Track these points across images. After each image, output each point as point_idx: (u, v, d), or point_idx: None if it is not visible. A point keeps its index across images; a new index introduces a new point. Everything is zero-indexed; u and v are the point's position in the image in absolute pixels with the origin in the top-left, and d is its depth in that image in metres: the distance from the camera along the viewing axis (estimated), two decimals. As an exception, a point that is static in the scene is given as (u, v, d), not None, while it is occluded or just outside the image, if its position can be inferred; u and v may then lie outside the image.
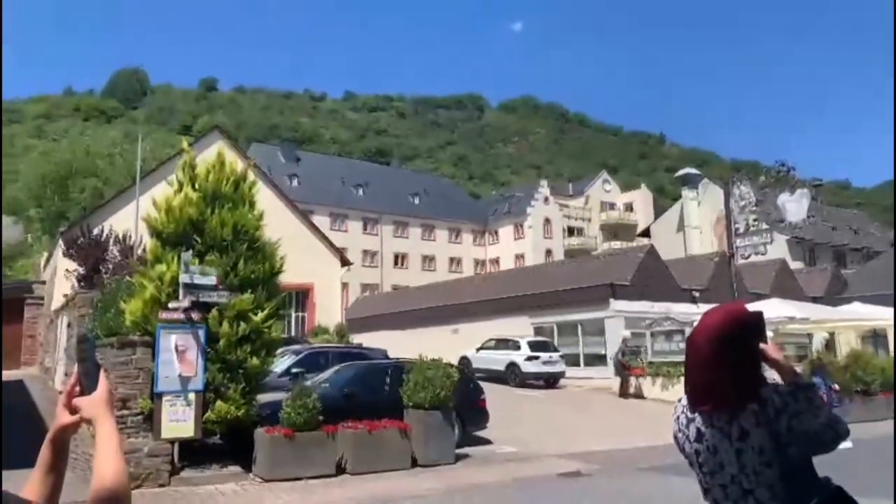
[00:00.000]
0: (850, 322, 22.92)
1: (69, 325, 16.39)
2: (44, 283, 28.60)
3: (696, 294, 28.04)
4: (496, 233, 72.10)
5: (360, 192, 65.67)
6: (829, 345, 28.64)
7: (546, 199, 71.45)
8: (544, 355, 23.48)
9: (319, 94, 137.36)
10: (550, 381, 23.54)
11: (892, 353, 23.98)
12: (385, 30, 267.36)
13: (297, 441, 9.32)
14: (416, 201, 68.90)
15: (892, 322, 22.56)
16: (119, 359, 9.38)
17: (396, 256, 65.07)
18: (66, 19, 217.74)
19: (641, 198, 77.42)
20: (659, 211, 63.12)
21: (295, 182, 59.52)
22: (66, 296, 18.32)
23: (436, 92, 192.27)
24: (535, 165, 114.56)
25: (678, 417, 1.94)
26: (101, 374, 1.26)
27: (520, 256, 67.44)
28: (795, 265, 41.90)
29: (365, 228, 63.42)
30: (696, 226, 47.18)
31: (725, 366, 1.83)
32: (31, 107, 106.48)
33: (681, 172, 53.55)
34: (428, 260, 66.72)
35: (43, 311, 26.51)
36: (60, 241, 21.08)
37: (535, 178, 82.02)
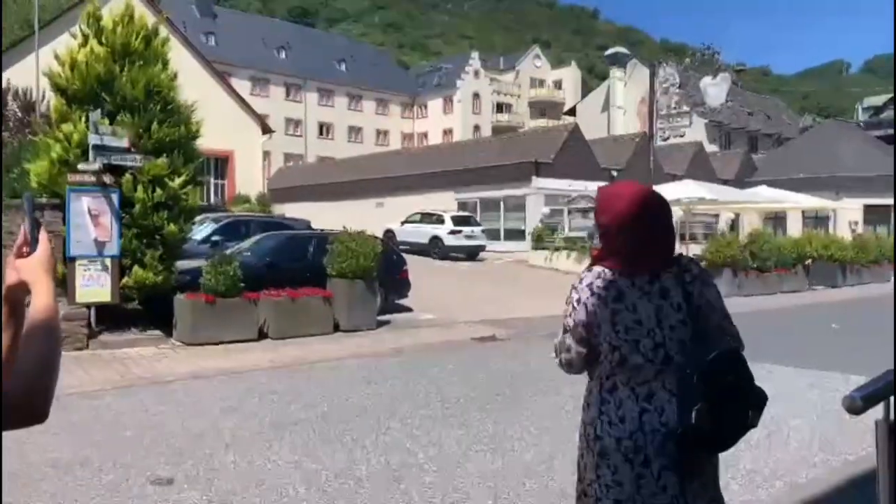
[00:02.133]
0: (754, 205, 24.30)
1: (-32, 186, 15.46)
2: (-65, 139, 26.49)
3: (615, 174, 28.90)
4: (425, 106, 70.86)
5: (283, 54, 62.42)
6: (734, 225, 30.45)
7: (476, 73, 70.25)
8: (466, 229, 24.02)
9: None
10: (472, 255, 24.26)
11: (789, 235, 25.84)
12: None
13: (219, 307, 9.40)
14: (343, 68, 66.25)
15: (793, 206, 24.13)
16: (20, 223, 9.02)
17: (321, 126, 63.30)
18: None
19: (571, 76, 77.16)
20: (586, 91, 63.22)
21: (212, 40, 55.84)
22: (-39, 154, 17.13)
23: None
24: (467, 36, 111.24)
25: (591, 283, 2.02)
26: (42, 235, 1.23)
27: (448, 132, 66.97)
28: (711, 148, 43.49)
29: (288, 94, 60.92)
30: (620, 106, 47.72)
31: (671, 231, 2.09)
32: None
33: (611, 51, 53.26)
34: (354, 131, 65.31)
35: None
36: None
37: (467, 50, 79.88)
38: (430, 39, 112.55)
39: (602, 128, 43.28)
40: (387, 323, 11.73)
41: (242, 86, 46.77)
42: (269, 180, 34.26)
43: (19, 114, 16.50)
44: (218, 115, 18.95)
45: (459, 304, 14.12)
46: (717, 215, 28.04)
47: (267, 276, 10.81)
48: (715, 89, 18.26)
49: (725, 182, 31.50)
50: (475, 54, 72.51)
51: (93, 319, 8.89)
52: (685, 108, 18.81)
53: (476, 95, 69.60)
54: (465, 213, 26.14)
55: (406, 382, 7.46)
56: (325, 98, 63.62)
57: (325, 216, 23.34)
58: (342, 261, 10.95)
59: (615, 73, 48.61)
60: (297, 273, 11.22)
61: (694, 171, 31.09)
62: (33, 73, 17.91)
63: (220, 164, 25.61)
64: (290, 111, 60.35)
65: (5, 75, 18.64)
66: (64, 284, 8.61)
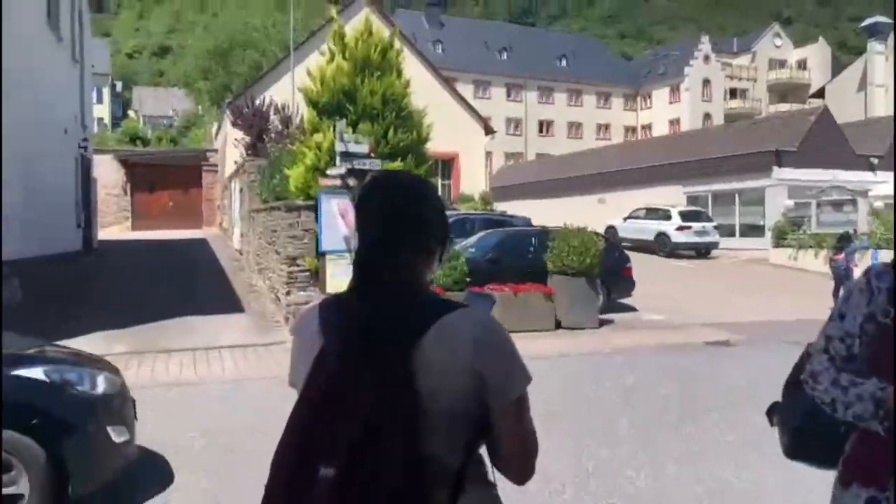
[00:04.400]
0: None
1: (241, 191, 17.95)
2: (216, 151, 31.13)
3: (875, 161, 25.35)
4: (649, 97, 68.00)
5: (504, 56, 63.74)
6: None
7: (706, 58, 65.76)
8: (696, 225, 22.66)
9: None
10: (702, 252, 22.83)
11: None
12: None
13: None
14: (563, 64, 65.94)
15: None
16: (287, 221, 10.26)
17: (541, 124, 63.64)
18: None
19: (818, 53, 69.00)
20: (838, 69, 56.17)
21: (439, 48, 58.80)
22: (236, 163, 19.92)
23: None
24: (694, 20, 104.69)
25: (878, 287, 1.59)
26: None
27: (674, 122, 63.60)
28: None
29: (508, 95, 62.10)
30: (881, 84, 41.74)
31: None
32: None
33: (868, 21, 46.89)
34: (574, 127, 64.73)
35: (218, 178, 29.09)
36: (227, 112, 22.60)
37: (696, 34, 75.16)
38: (653, 27, 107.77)
39: (858, 110, 38.20)
40: (609, 322, 11.47)
41: (466, 89, 48.59)
42: (491, 179, 35.25)
43: (279, 126, 18.70)
44: (444, 119, 19.90)
45: (688, 304, 13.36)
46: None
47: (490, 272, 11.14)
48: None
49: None
50: (705, 38, 67.88)
51: (339, 309, 9.86)
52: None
53: (706, 82, 65.22)
54: (695, 208, 24.67)
55: (629, 383, 7.23)
56: (545, 96, 63.85)
57: (545, 213, 23.45)
58: (563, 257, 10.93)
59: (874, 46, 42.69)
60: (518, 269, 11.41)
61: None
62: (290, 90, 20.27)
63: (446, 165, 26.88)
64: (510, 111, 61.51)
65: (268, 94, 21.29)
66: (317, 276, 9.64)
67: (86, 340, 8.37)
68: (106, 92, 63.15)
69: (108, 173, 27.50)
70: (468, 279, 10.12)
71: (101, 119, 53.08)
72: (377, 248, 1.32)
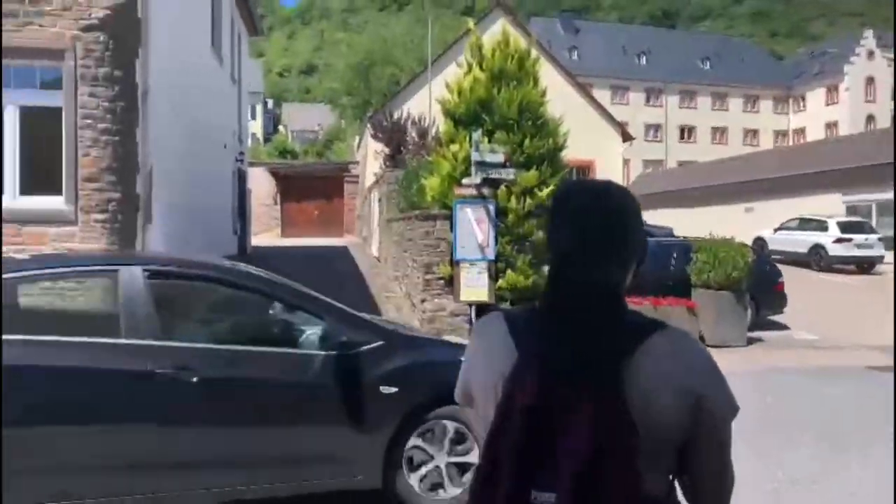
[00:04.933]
0: None
1: (380, 201, 18.62)
2: (357, 163, 32.57)
3: None
4: (802, 98, 63.31)
5: (643, 60, 61.84)
6: None
7: (870, 54, 60.27)
8: (858, 237, 20.73)
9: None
10: (864, 267, 20.84)
11: None
12: None
13: (582, 312, 9.69)
14: (707, 66, 62.93)
15: None
16: (423, 229, 10.50)
17: (682, 129, 61.04)
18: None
19: None
20: None
21: (574, 55, 58.11)
22: (375, 174, 20.72)
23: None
24: (856, 13, 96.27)
25: None
26: None
27: (832, 125, 58.76)
28: None
29: (647, 100, 60.14)
30: None
31: None
32: (335, 3, 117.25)
33: None
34: (719, 132, 61.51)
35: (358, 188, 30.40)
36: (368, 126, 23.56)
37: (857, 29, 69.07)
38: (807, 22, 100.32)
39: None
40: (758, 340, 10.73)
41: (603, 95, 47.62)
42: (629, 187, 34.19)
43: (416, 138, 19.23)
44: (580, 126, 19.59)
45: (847, 324, 12.22)
46: None
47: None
48: None
49: None
50: (868, 32, 62.25)
51: (473, 316, 9.91)
52: None
53: (870, 80, 59.73)
54: (857, 219, 22.58)
55: (778, 407, 6.71)
56: (687, 100, 61.19)
57: (687, 223, 22.42)
58: (708, 270, 10.38)
59: None
60: (659, 281, 10.96)
61: None
62: (426, 103, 20.80)
63: (582, 173, 26.43)
64: (649, 116, 59.53)
65: (406, 107, 21.95)
66: (451, 283, 9.78)
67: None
68: (259, 109, 67.97)
69: (260, 184, 29.55)
70: (604, 290, 9.85)
71: (254, 134, 57.19)
72: (577, 261, 1.23)
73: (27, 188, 8.17)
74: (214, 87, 14.74)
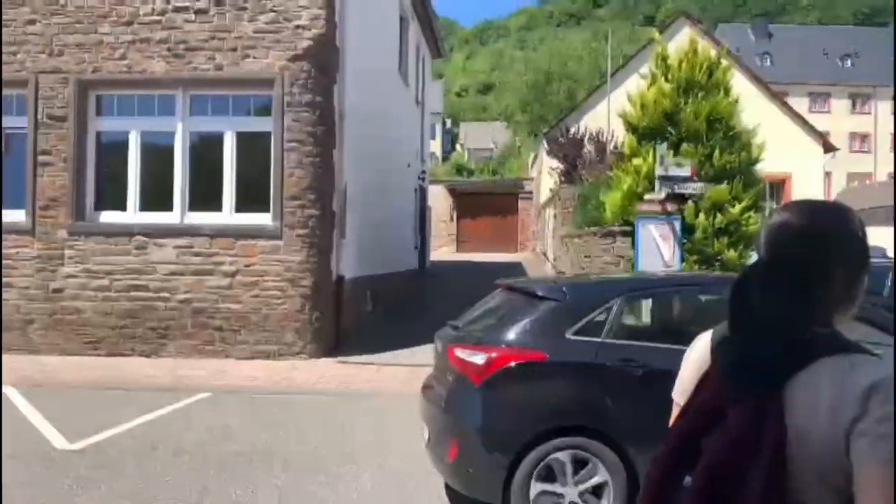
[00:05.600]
0: None
1: (555, 217, 18.51)
2: (531, 179, 32.68)
3: None
4: None
5: (849, 63, 56.11)
6: None
7: None
8: None
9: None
10: None
11: None
12: None
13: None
14: (927, 67, 55.60)
15: None
16: (601, 246, 10.27)
17: (896, 138, 54.33)
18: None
19: None
20: None
21: (767, 61, 54.19)
22: (550, 190, 20.65)
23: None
24: None
25: None
26: None
27: None
28: None
29: (853, 107, 54.41)
30: None
31: None
32: (513, 21, 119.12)
33: None
34: (942, 140, 54.00)
35: (532, 204, 30.47)
36: (543, 142, 23.56)
37: None
38: None
39: None
40: None
41: (799, 103, 43.79)
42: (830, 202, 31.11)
43: (594, 153, 18.89)
44: (774, 137, 18.11)
45: None
46: None
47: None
48: None
49: None
50: None
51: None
52: None
53: None
54: None
55: None
56: (902, 105, 54.49)
57: (902, 243, 19.87)
58: (933, 297, 9.10)
59: None
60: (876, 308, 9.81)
61: None
62: (604, 117, 20.39)
63: (776, 187, 24.46)
64: (855, 125, 53.78)
65: (582, 122, 21.67)
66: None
67: (417, 351, 9.34)
68: (438, 128, 70.64)
69: (438, 201, 30.62)
70: (805, 316, 9.00)
71: (433, 153, 59.56)
72: (752, 276, 1.23)
73: (242, 206, 9.11)
74: (401, 109, 15.54)
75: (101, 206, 9.34)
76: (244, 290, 8.87)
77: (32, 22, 9.16)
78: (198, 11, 9.00)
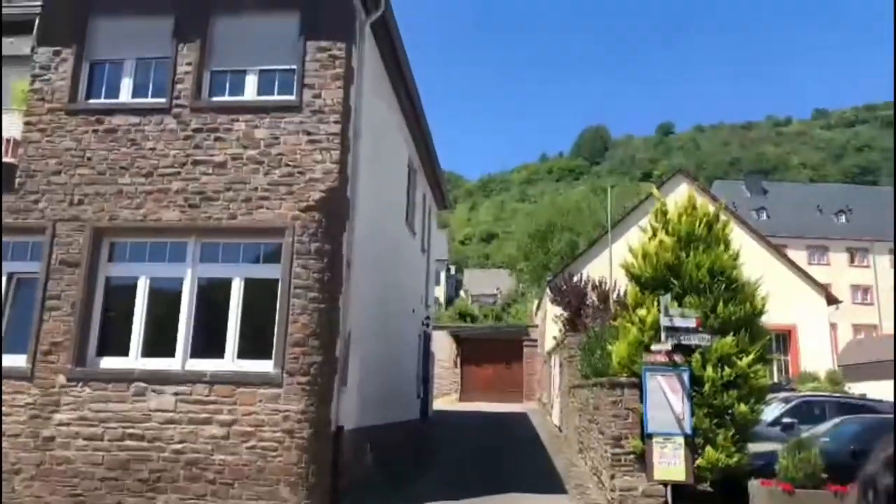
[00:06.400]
0: None
1: (560, 366, 18.25)
2: (536, 326, 32.60)
3: None
4: None
5: (843, 219, 57.88)
6: None
7: None
8: None
9: (784, 119, 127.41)
10: None
11: None
12: (854, 37, 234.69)
13: (798, 498, 8.44)
14: (920, 223, 57.20)
15: None
16: (609, 398, 10.01)
17: (898, 291, 54.73)
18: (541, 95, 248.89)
19: None
20: None
21: (763, 216, 55.88)
22: (555, 338, 20.52)
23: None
24: None
25: None
26: None
27: None
28: None
29: (852, 260, 55.38)
30: None
31: None
32: (515, 175, 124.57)
33: None
34: (943, 293, 54.33)
35: (537, 352, 30.16)
36: (547, 289, 23.76)
37: None
38: None
39: None
40: None
41: (798, 256, 44.61)
42: (838, 355, 30.77)
43: (597, 302, 18.98)
44: (777, 289, 18.29)
45: None
46: None
47: (852, 467, 9.29)
48: None
49: None
50: None
51: (669, 498, 9.01)
52: None
53: None
54: None
55: None
56: (900, 259, 55.47)
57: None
58: (958, 456, 8.70)
59: None
60: (892, 467, 9.38)
61: None
62: (607, 267, 20.71)
63: (782, 339, 24.31)
64: (856, 278, 54.45)
65: (585, 271, 21.98)
66: (642, 460, 9.06)
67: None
68: (442, 275, 71.68)
69: (441, 347, 30.38)
70: (825, 475, 8.57)
71: (437, 298, 60.01)
72: None
73: (244, 352, 9.03)
74: (407, 256, 15.86)
75: (103, 351, 9.27)
76: (240, 440, 8.58)
77: (58, 173, 9.61)
78: (216, 165, 9.45)
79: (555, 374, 20.13)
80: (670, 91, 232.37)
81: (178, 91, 9.75)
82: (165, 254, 9.49)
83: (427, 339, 19.87)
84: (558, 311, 20.29)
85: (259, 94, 9.79)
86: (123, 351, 9.18)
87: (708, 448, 9.16)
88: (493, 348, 31.92)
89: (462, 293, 78.85)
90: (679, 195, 11.98)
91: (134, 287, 9.38)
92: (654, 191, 12.58)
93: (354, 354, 9.87)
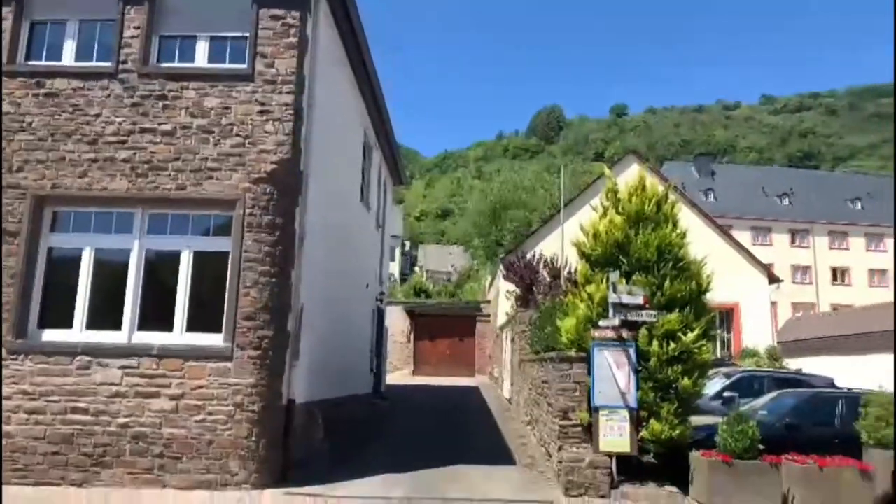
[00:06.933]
0: None
1: (512, 341, 18.52)
2: (488, 302, 32.93)
3: None
4: (974, 237, 57.76)
5: (786, 201, 59.80)
6: None
7: None
8: None
9: (733, 103, 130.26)
10: None
11: None
12: (803, 26, 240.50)
13: (736, 468, 8.80)
14: (858, 207, 59.65)
15: None
16: (558, 373, 10.22)
17: (834, 271, 57.14)
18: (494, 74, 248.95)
19: None
20: None
21: (711, 197, 57.31)
22: (507, 314, 20.79)
23: (879, 79, 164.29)
24: None
25: None
26: None
27: None
28: None
29: (793, 241, 57.38)
30: None
31: None
32: (472, 152, 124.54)
33: None
34: (878, 274, 56.97)
35: (489, 327, 30.51)
36: (500, 266, 23.99)
37: None
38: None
39: None
40: (954, 512, 9.17)
41: (743, 236, 45.99)
42: (777, 332, 31.98)
43: (548, 279, 19.26)
44: (721, 268, 18.84)
45: None
46: None
47: (786, 439, 9.79)
48: None
49: None
50: None
51: (614, 469, 9.29)
52: None
53: None
54: None
55: None
56: (838, 241, 57.78)
57: (846, 372, 20.37)
58: (882, 427, 9.21)
59: None
60: (822, 438, 9.88)
61: None
62: (558, 244, 20.99)
63: (725, 316, 25.12)
64: (796, 258, 56.50)
65: (538, 248, 22.23)
66: (589, 432, 9.31)
67: (368, 482, 8.94)
68: (397, 251, 71.53)
69: (396, 322, 30.46)
70: (761, 447, 8.96)
71: (391, 274, 59.93)
72: None
73: (194, 325, 8.90)
74: (362, 232, 15.77)
75: (45, 323, 9.01)
76: (189, 414, 8.48)
77: (-5, 138, 9.21)
78: (164, 133, 9.20)
79: (506, 348, 20.43)
80: (625, 73, 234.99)
81: (124, 55, 9.42)
82: (112, 224, 9.22)
83: (381, 314, 19.87)
84: (511, 287, 20.51)
85: (210, 61, 9.53)
86: (67, 323, 8.94)
87: (652, 421, 9.45)
88: (447, 324, 32.18)
89: (417, 269, 78.89)
90: (630, 175, 12.15)
91: (78, 258, 9.11)
92: (606, 170, 12.73)
93: (306, 328, 9.82)
